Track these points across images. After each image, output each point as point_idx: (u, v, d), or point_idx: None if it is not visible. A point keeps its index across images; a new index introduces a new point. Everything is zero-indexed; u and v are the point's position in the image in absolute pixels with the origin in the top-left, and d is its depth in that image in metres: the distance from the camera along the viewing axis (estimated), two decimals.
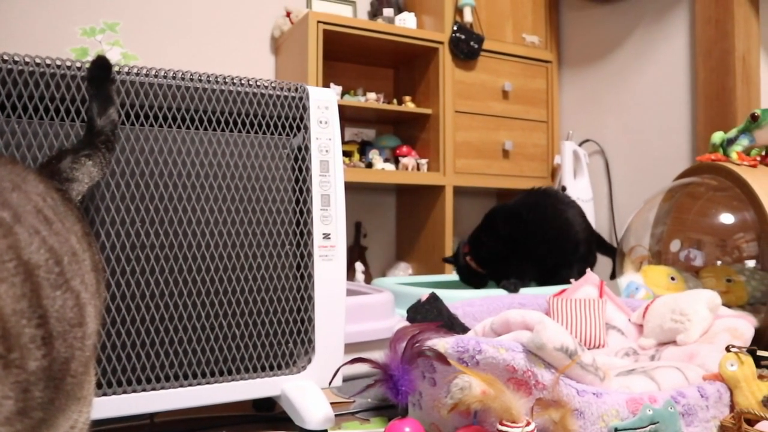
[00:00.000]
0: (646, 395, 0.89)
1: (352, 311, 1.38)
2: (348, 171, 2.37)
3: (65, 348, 0.50)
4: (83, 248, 0.58)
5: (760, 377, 0.98)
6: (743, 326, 1.17)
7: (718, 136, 1.67)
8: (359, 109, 2.49)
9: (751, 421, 0.93)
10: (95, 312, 0.57)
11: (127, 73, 0.96)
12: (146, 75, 0.97)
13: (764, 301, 1.45)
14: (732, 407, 0.97)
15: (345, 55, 2.67)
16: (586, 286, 1.46)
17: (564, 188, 2.61)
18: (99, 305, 0.59)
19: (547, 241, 1.98)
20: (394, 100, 2.66)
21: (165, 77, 0.99)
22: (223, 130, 1.04)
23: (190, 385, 0.99)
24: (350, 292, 1.59)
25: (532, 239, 1.97)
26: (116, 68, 0.95)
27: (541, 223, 2.00)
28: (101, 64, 0.88)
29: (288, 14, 2.60)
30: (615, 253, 2.14)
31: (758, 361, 1.02)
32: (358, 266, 2.59)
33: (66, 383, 0.51)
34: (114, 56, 2.31)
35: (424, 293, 1.27)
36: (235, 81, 1.05)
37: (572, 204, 2.08)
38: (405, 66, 2.80)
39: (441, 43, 2.58)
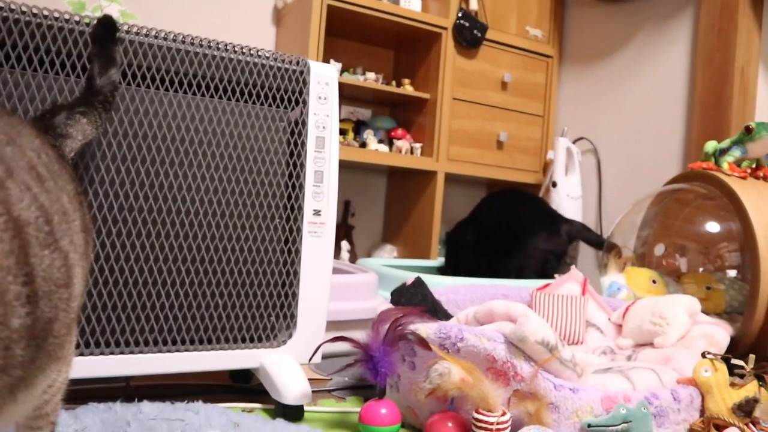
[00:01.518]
0: (621, 394, 0.90)
1: (336, 289, 1.38)
2: (341, 149, 2.36)
3: (50, 308, 0.49)
4: (74, 208, 0.57)
5: (732, 385, 1.00)
6: (720, 334, 1.19)
7: (711, 146, 1.68)
8: (357, 87, 2.48)
9: (720, 427, 0.94)
10: (82, 273, 0.56)
11: (126, 32, 0.95)
12: (145, 35, 0.96)
13: (741, 310, 1.47)
14: (702, 412, 0.99)
15: (347, 32, 2.64)
16: (570, 282, 1.47)
17: (555, 184, 2.61)
18: (86, 267, 0.58)
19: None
20: (393, 82, 2.65)
21: (165, 39, 0.97)
22: (220, 97, 1.03)
23: (168, 351, 0.99)
24: (335, 271, 1.60)
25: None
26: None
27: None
28: (107, 24, 0.87)
29: None
30: (603, 245, 2.17)
31: (731, 369, 1.03)
32: (344, 245, 2.59)
33: (48, 343, 0.51)
34: (112, 13, 2.28)
35: (409, 277, 1.27)
36: (236, 49, 1.04)
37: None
38: (406, 48, 2.79)
39: (444, 28, 2.56)
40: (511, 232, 2.05)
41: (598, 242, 2.14)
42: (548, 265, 2.03)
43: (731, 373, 1.02)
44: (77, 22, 0.91)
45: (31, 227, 0.49)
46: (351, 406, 1.08)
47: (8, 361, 0.46)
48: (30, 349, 0.48)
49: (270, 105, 1.07)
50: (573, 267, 1.53)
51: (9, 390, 0.49)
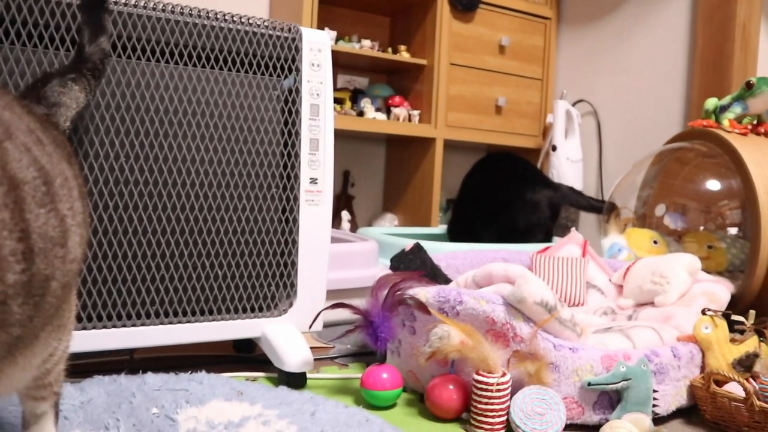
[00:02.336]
0: (621, 352, 0.91)
1: (336, 258, 1.38)
2: (339, 119, 2.34)
3: (46, 265, 0.50)
4: (73, 175, 0.58)
5: (732, 341, 1.00)
6: (720, 291, 1.19)
7: (711, 103, 1.67)
8: (353, 55, 2.45)
9: (720, 382, 0.95)
10: (80, 240, 0.56)
11: (116, 3, 0.94)
12: (134, 6, 0.95)
13: (743, 269, 1.47)
14: (703, 368, 1.00)
15: None
16: (570, 244, 1.47)
17: (554, 147, 2.60)
18: (85, 234, 0.58)
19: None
20: (389, 49, 2.62)
21: (154, 9, 0.96)
22: (212, 67, 1.02)
23: (170, 323, 0.99)
24: (335, 240, 1.60)
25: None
26: None
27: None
28: None
29: None
30: (595, 208, 2.17)
31: (732, 326, 1.04)
32: (345, 215, 2.59)
33: (46, 302, 0.51)
34: None
35: (408, 244, 1.27)
36: (226, 17, 1.02)
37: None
38: (402, 14, 2.75)
39: None
40: (492, 204, 2.06)
41: (588, 206, 2.14)
42: (533, 238, 2.03)
43: (731, 330, 1.03)
44: None
45: (27, 186, 0.49)
46: (353, 373, 1.09)
47: (5, 317, 0.46)
48: (28, 307, 0.49)
49: (263, 73, 1.06)
50: (573, 229, 1.53)
51: (7, 349, 0.50)
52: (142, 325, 0.97)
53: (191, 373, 0.98)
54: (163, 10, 0.97)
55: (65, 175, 0.55)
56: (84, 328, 0.93)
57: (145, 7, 0.95)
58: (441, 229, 2.35)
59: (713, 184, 1.67)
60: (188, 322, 1.00)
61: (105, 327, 0.94)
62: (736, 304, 1.42)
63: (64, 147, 0.60)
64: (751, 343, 1.01)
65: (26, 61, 0.88)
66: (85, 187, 0.62)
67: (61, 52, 0.90)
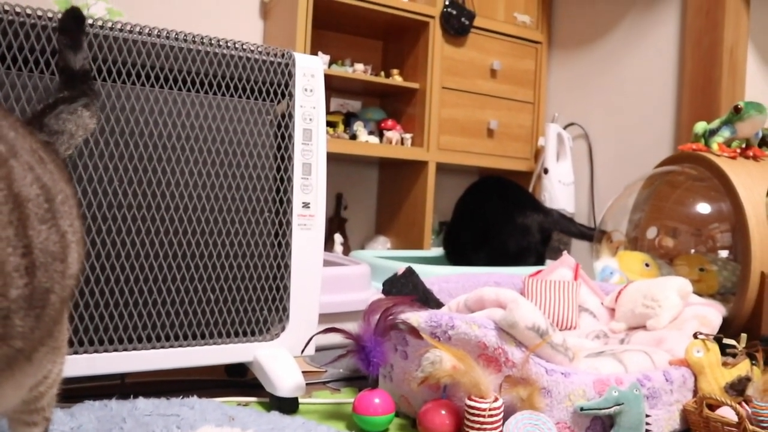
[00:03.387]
0: (613, 377, 0.91)
1: (328, 282, 1.38)
2: (332, 142, 2.36)
3: (46, 278, 0.51)
4: (72, 194, 0.59)
5: (725, 364, 1.01)
6: (712, 314, 1.20)
7: (700, 126, 1.68)
8: (346, 79, 2.47)
9: (713, 407, 0.95)
10: (78, 258, 0.57)
11: (111, 29, 0.94)
12: (130, 31, 0.95)
13: (734, 291, 1.48)
14: (695, 392, 1.00)
15: (334, 24, 2.63)
16: (562, 268, 1.48)
17: (546, 170, 2.62)
18: (83, 252, 0.59)
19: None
20: (382, 73, 2.64)
21: (149, 35, 0.97)
22: (206, 92, 1.02)
23: (162, 347, 0.99)
24: (327, 263, 1.60)
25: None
26: (99, 22, 0.93)
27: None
28: (74, 15, 0.87)
29: None
30: (593, 238, 2.17)
31: (724, 349, 1.04)
32: (337, 238, 2.59)
33: (46, 314, 0.52)
34: (99, 11, 2.26)
35: (401, 268, 1.27)
36: (221, 43, 1.03)
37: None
38: (394, 39, 2.78)
39: (432, 17, 2.55)
40: (483, 228, 2.07)
41: (578, 233, 2.14)
42: (524, 261, 2.04)
43: (723, 353, 1.03)
44: (50, 19, 0.90)
45: (31, 203, 0.50)
46: (345, 397, 1.09)
47: (8, 331, 0.47)
48: (29, 319, 0.50)
49: (256, 98, 1.07)
50: (565, 252, 1.53)
51: (7, 363, 0.50)
52: (134, 349, 0.96)
53: (183, 398, 0.97)
54: (158, 36, 0.98)
55: (66, 193, 0.56)
56: (75, 353, 0.92)
57: (139, 33, 0.96)
58: (434, 252, 2.36)
59: (703, 207, 1.69)
60: (180, 346, 1.00)
61: (96, 351, 0.94)
62: (728, 327, 1.42)
63: (64, 168, 0.62)
64: (743, 367, 1.01)
65: (22, 86, 0.88)
66: (80, 209, 0.63)
67: (46, 75, 0.90)
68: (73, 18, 0.87)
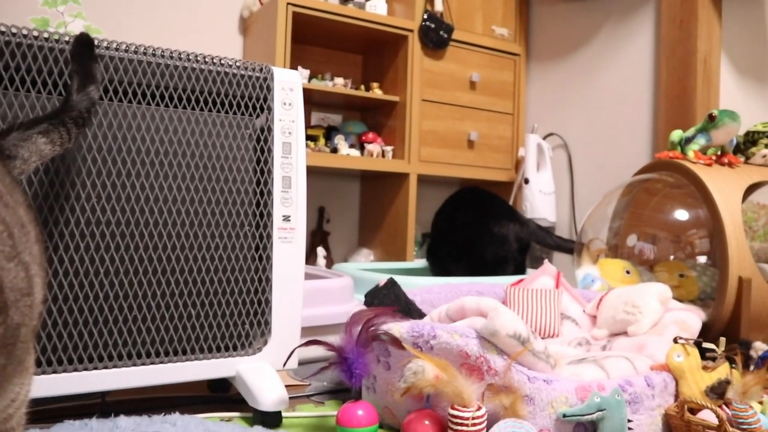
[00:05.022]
0: (595, 383, 0.91)
1: (311, 295, 1.38)
2: (313, 155, 2.36)
3: (18, 315, 0.51)
4: (29, 220, 0.58)
5: (705, 368, 1.02)
6: (691, 319, 1.21)
7: (676, 135, 1.71)
8: (326, 93, 2.48)
9: (694, 410, 0.96)
10: (41, 283, 0.56)
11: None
12: (106, 48, 0.95)
13: (714, 296, 1.50)
14: (677, 396, 1.00)
15: (314, 38, 2.64)
16: (543, 276, 1.48)
17: (527, 180, 2.64)
18: (44, 277, 0.59)
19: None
20: (362, 86, 2.65)
21: (126, 51, 0.97)
22: (184, 107, 1.02)
23: (143, 364, 0.98)
24: (310, 276, 1.59)
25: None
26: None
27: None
28: (84, 41, 0.88)
29: None
30: (573, 250, 2.19)
31: (703, 353, 1.05)
32: (320, 251, 2.59)
33: (17, 348, 0.52)
34: (76, 29, 2.26)
35: (382, 279, 1.27)
36: (198, 58, 1.03)
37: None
38: (374, 52, 2.80)
39: (411, 30, 2.57)
40: (461, 239, 2.08)
41: (555, 245, 2.15)
42: (502, 271, 2.05)
43: (703, 357, 1.04)
44: (46, 39, 0.90)
45: None
46: (329, 410, 1.08)
47: None
48: (2, 358, 0.49)
49: (235, 113, 1.07)
50: (546, 261, 1.54)
51: None
52: (114, 367, 0.95)
53: (165, 415, 0.96)
54: (135, 52, 0.98)
55: (22, 221, 0.56)
56: (54, 372, 0.91)
57: (116, 49, 0.96)
58: (417, 263, 2.36)
59: (681, 214, 1.71)
60: (161, 362, 0.99)
61: (76, 370, 0.93)
62: (708, 332, 1.44)
63: (20, 192, 0.61)
64: (723, 370, 1.02)
65: (19, 106, 0.88)
66: (41, 228, 0.62)
67: (54, 96, 0.90)
68: (82, 44, 0.87)
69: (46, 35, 0.90)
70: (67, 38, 0.91)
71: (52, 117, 0.80)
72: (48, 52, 0.90)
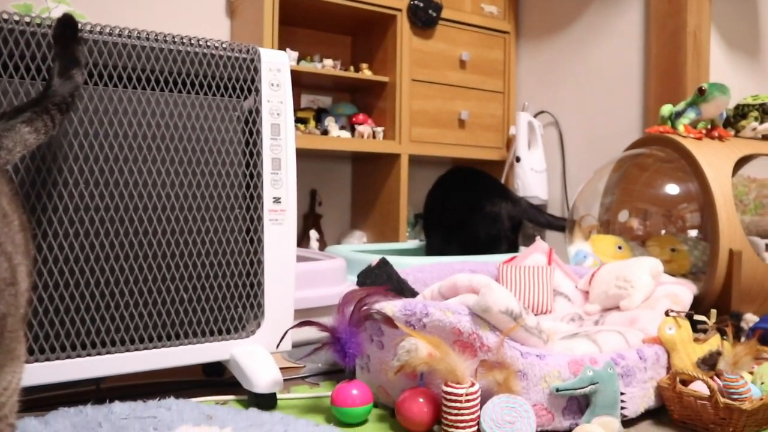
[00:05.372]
0: (588, 357, 0.92)
1: (303, 277, 1.38)
2: (303, 138, 2.35)
3: (3, 305, 0.50)
4: (12, 209, 0.57)
5: (696, 340, 1.02)
6: (683, 292, 1.22)
7: (666, 109, 1.71)
8: (316, 75, 2.46)
9: (686, 382, 0.97)
10: (26, 271, 0.56)
11: (79, 30, 0.93)
12: (90, 32, 0.94)
13: (705, 269, 1.50)
14: (669, 368, 1.01)
15: (302, 20, 2.62)
16: (536, 253, 1.49)
17: (518, 159, 2.63)
18: (29, 265, 0.58)
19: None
20: (351, 68, 2.64)
21: (111, 35, 0.96)
22: (171, 90, 1.01)
23: (137, 349, 0.98)
24: (302, 259, 1.59)
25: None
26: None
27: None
28: (67, 23, 0.86)
29: None
30: (564, 228, 2.19)
31: (695, 326, 1.06)
32: (313, 234, 2.58)
33: (5, 338, 0.51)
34: (59, 14, 2.23)
35: (374, 259, 1.27)
36: (185, 41, 1.02)
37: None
38: (363, 33, 2.77)
39: (399, 10, 2.55)
40: (454, 218, 2.09)
41: (546, 223, 2.16)
42: (495, 249, 2.06)
43: (694, 330, 1.05)
44: (28, 24, 0.89)
45: None
46: (324, 391, 1.09)
47: None
48: None
49: (222, 95, 1.06)
50: (538, 238, 1.55)
51: None
52: (108, 353, 0.95)
53: (159, 399, 0.96)
54: (120, 35, 0.97)
55: (4, 211, 0.55)
56: (48, 360, 0.91)
57: (102, 33, 0.95)
58: (409, 243, 2.36)
59: (672, 188, 1.71)
60: (155, 348, 0.99)
61: (69, 357, 0.92)
62: (700, 305, 1.45)
63: (3, 182, 0.60)
64: (714, 342, 1.03)
65: (2, 92, 0.86)
66: (26, 216, 0.61)
67: (38, 82, 0.89)
68: (65, 26, 0.86)
69: (28, 20, 0.89)
70: (49, 23, 0.90)
71: (34, 104, 0.79)
72: (30, 36, 0.89)
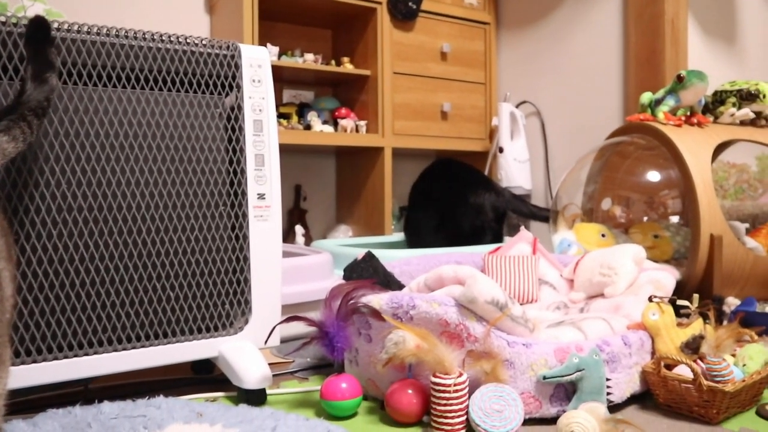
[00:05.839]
0: (573, 344, 0.93)
1: (290, 273, 1.38)
2: (286, 133, 2.34)
3: None
4: None
5: (679, 325, 1.04)
6: (665, 278, 1.23)
7: (646, 97, 1.72)
8: (297, 70, 2.45)
9: (670, 366, 0.98)
10: (9, 276, 0.56)
11: (57, 30, 0.92)
12: (68, 30, 0.93)
13: (687, 255, 1.52)
14: (653, 353, 1.03)
15: (282, 15, 2.61)
16: (520, 243, 1.50)
17: (501, 149, 2.64)
18: (12, 269, 0.58)
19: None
20: (333, 62, 2.63)
21: (89, 33, 0.95)
22: (152, 89, 1.01)
23: (125, 349, 0.98)
24: (289, 254, 1.59)
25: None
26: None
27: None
28: (39, 25, 0.84)
29: None
30: (548, 219, 2.21)
31: (678, 310, 1.07)
32: (299, 229, 2.58)
33: None
34: (36, 13, 2.20)
35: (360, 253, 1.28)
36: (164, 38, 1.02)
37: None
38: (343, 27, 2.77)
39: (379, 3, 2.55)
40: (438, 210, 2.10)
41: (529, 213, 2.17)
42: (480, 240, 2.07)
43: (678, 314, 1.06)
44: (3, 23, 0.88)
45: None
46: (313, 386, 1.09)
47: None
48: None
49: (204, 92, 1.06)
50: (522, 228, 1.56)
51: None
52: (95, 353, 0.95)
53: (149, 398, 0.96)
54: (98, 34, 0.96)
55: None
56: (35, 362, 0.90)
57: (79, 32, 0.94)
58: (395, 237, 2.37)
59: (653, 176, 1.73)
60: (143, 347, 0.99)
61: (57, 358, 0.92)
62: (683, 290, 1.47)
63: None
64: (697, 326, 1.05)
65: None
66: (9, 220, 0.61)
67: (15, 82, 0.88)
68: (37, 27, 0.84)
69: (3, 19, 0.88)
70: (25, 22, 0.89)
71: (10, 112, 0.77)
72: (7, 36, 0.88)
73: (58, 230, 0.92)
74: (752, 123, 1.72)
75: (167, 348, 1.01)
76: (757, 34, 2.60)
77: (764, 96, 1.66)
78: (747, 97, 1.68)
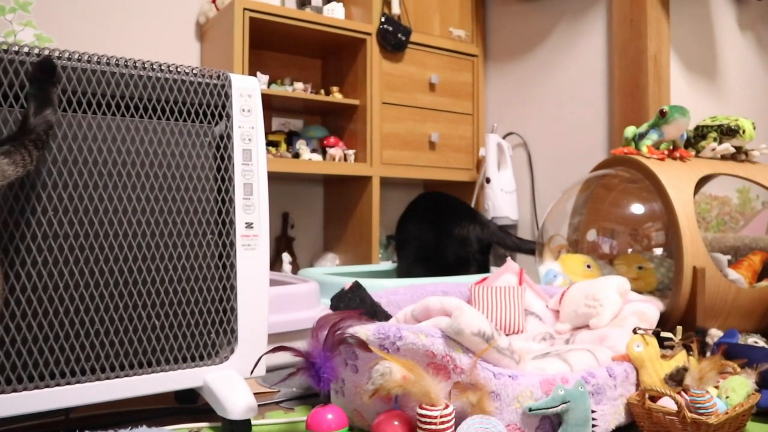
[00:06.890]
0: (559, 376, 0.93)
1: (277, 301, 1.37)
2: (275, 161, 2.35)
3: None
4: None
5: (663, 357, 1.05)
6: (649, 310, 1.24)
7: (630, 131, 1.75)
8: (286, 98, 2.47)
9: (655, 398, 0.99)
10: None
11: (40, 56, 0.93)
12: (59, 57, 0.94)
13: (671, 286, 1.54)
14: (638, 385, 1.03)
15: (272, 44, 2.64)
16: (507, 274, 1.51)
17: (488, 180, 2.67)
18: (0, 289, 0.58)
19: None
20: (322, 91, 2.65)
21: (80, 60, 0.96)
22: (142, 116, 1.01)
23: (108, 378, 0.97)
24: (276, 283, 1.59)
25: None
26: (26, 49, 0.91)
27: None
28: (46, 66, 0.89)
29: (213, 0, 2.55)
30: (534, 251, 2.22)
31: (662, 342, 1.08)
32: (285, 257, 2.58)
33: None
34: (26, 38, 2.21)
35: (347, 283, 1.28)
36: (154, 66, 1.02)
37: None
38: (333, 56, 2.80)
39: (369, 34, 2.58)
40: (423, 242, 2.12)
41: (514, 246, 2.19)
42: (465, 271, 2.08)
43: (662, 346, 1.07)
44: (5, 51, 0.89)
45: None
46: (299, 416, 1.08)
47: None
48: None
49: (194, 121, 1.06)
50: (509, 259, 1.57)
51: None
52: (78, 382, 0.94)
53: (131, 428, 0.95)
54: (89, 61, 0.97)
55: None
56: (15, 391, 0.89)
57: (70, 59, 0.95)
58: (382, 266, 2.37)
59: (637, 208, 1.75)
60: (126, 376, 0.98)
61: (37, 387, 0.91)
62: (667, 321, 1.48)
63: None
64: (681, 358, 1.06)
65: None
66: None
67: (4, 108, 0.89)
68: (43, 69, 0.88)
69: (4, 47, 0.89)
70: (16, 48, 0.90)
71: (12, 139, 0.82)
72: (8, 64, 0.88)
73: (43, 257, 0.91)
74: (732, 157, 1.75)
75: (151, 377, 1.00)
76: (737, 70, 2.66)
77: (744, 131, 1.70)
78: (727, 132, 1.71)
